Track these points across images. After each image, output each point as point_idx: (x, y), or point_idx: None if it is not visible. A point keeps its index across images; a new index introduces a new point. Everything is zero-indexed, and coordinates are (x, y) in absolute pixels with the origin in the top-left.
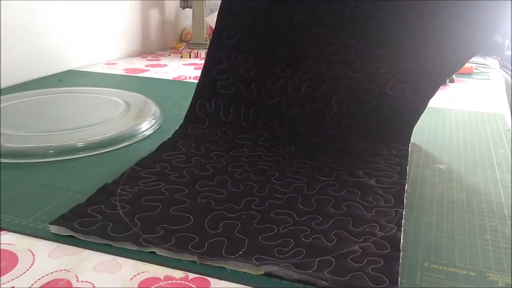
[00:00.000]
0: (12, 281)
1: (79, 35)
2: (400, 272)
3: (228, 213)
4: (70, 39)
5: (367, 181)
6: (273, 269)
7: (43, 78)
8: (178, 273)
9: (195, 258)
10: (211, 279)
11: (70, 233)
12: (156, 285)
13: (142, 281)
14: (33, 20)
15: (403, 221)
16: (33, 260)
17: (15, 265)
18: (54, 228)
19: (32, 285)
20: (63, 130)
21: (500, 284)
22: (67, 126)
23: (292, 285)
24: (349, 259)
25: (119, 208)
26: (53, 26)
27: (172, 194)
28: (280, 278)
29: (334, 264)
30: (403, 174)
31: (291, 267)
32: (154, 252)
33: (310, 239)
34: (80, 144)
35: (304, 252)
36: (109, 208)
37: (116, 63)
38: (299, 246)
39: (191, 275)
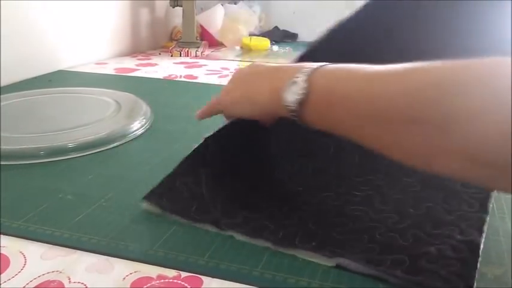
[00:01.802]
0: (4, 283)
1: (69, 35)
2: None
3: (304, 206)
4: (60, 39)
5: (452, 185)
6: (344, 262)
7: (33, 78)
8: (170, 272)
9: (269, 244)
10: (203, 278)
11: (159, 211)
12: (149, 284)
13: (134, 280)
14: (22, 21)
15: (485, 227)
16: (25, 262)
17: (6, 267)
18: (146, 205)
19: (24, 287)
20: (54, 131)
21: (489, 276)
22: (58, 127)
23: (283, 284)
24: (425, 259)
25: (203, 185)
26: (42, 26)
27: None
28: (351, 271)
29: (408, 262)
30: None
31: (363, 261)
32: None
33: (386, 237)
34: (71, 145)
35: (378, 248)
36: (195, 183)
37: (106, 63)
38: (373, 242)
39: (183, 274)
